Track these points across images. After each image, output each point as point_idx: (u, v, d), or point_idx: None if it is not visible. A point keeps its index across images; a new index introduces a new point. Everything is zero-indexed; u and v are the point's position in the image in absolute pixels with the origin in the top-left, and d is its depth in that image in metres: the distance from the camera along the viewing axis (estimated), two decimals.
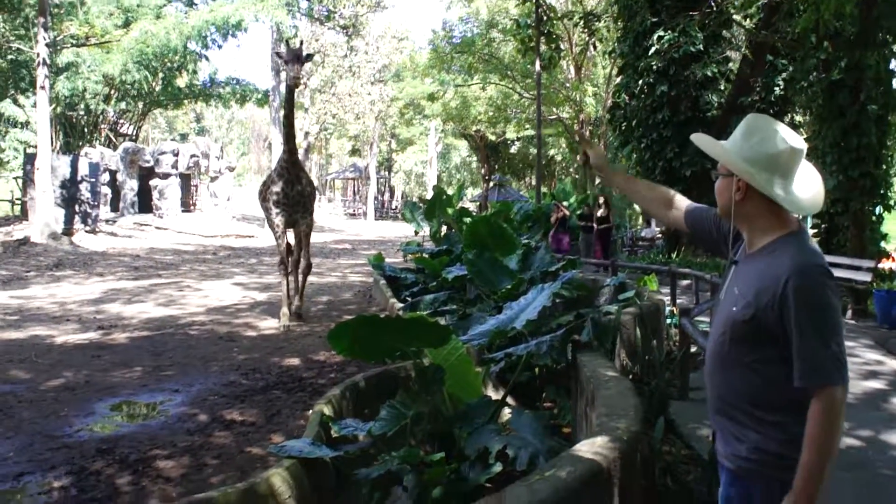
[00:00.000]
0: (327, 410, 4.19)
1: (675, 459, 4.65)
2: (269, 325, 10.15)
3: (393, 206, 61.44)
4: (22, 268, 16.98)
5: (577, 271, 8.04)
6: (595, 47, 27.20)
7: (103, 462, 4.80)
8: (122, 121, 35.82)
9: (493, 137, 44.82)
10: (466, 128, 43.44)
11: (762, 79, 18.59)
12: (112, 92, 31.37)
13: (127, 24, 29.56)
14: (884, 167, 13.61)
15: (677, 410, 5.79)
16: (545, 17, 23.30)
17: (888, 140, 14.29)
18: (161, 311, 11.21)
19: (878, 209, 13.60)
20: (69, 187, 25.19)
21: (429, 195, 28.75)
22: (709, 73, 18.37)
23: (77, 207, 25.49)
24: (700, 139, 2.34)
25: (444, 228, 18.68)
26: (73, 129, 31.06)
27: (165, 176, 31.13)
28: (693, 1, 16.93)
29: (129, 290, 13.52)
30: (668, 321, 8.62)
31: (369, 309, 11.34)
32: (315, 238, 15.41)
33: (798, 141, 2.17)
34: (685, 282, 13.76)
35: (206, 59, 34.15)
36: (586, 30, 23.73)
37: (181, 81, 34.97)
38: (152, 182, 31.12)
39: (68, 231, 23.43)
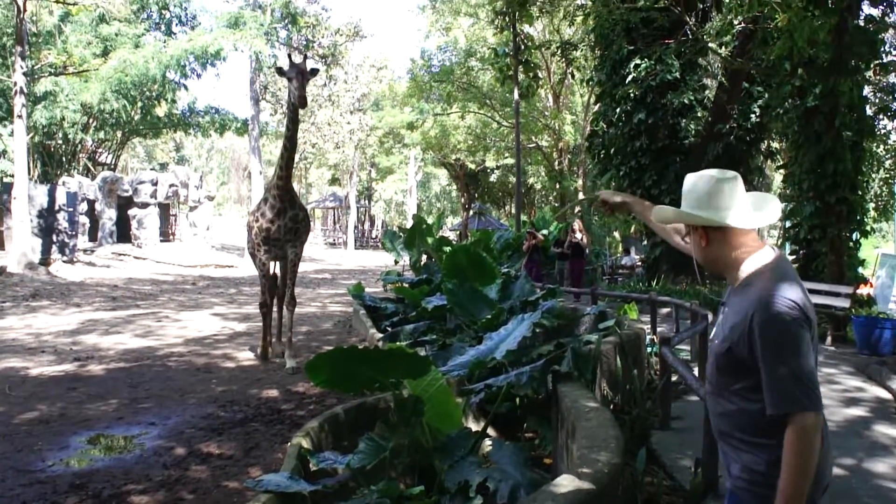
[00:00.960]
0: (305, 443, 4.13)
1: (658, 490, 4.63)
2: (247, 356, 10.05)
3: (373, 236, 61.22)
4: None
5: (557, 300, 8.02)
6: (573, 76, 27.42)
7: (76, 498, 4.72)
8: (100, 150, 35.76)
9: (472, 166, 45.17)
10: (446, 156, 43.76)
11: (738, 106, 18.78)
12: (90, 121, 31.29)
13: (105, 53, 29.56)
14: (860, 193, 13.75)
15: (659, 440, 5.77)
16: (523, 46, 23.59)
17: (863, 166, 14.47)
18: (138, 343, 11.08)
19: (856, 235, 13.68)
20: (46, 217, 25.01)
21: (409, 224, 28.77)
22: (685, 101, 18.54)
23: (55, 237, 25.30)
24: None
25: (424, 258, 18.66)
26: (50, 158, 30.93)
27: (144, 205, 31.06)
28: (669, 29, 17.11)
29: (107, 321, 13.37)
30: (649, 350, 8.62)
31: (349, 339, 11.29)
32: None
33: (722, 172, 2.36)
34: (665, 310, 13.76)
35: (185, 88, 34.16)
36: (564, 58, 24.04)
37: (160, 110, 34.82)
38: (131, 211, 31.04)
39: (45, 261, 23.19)
